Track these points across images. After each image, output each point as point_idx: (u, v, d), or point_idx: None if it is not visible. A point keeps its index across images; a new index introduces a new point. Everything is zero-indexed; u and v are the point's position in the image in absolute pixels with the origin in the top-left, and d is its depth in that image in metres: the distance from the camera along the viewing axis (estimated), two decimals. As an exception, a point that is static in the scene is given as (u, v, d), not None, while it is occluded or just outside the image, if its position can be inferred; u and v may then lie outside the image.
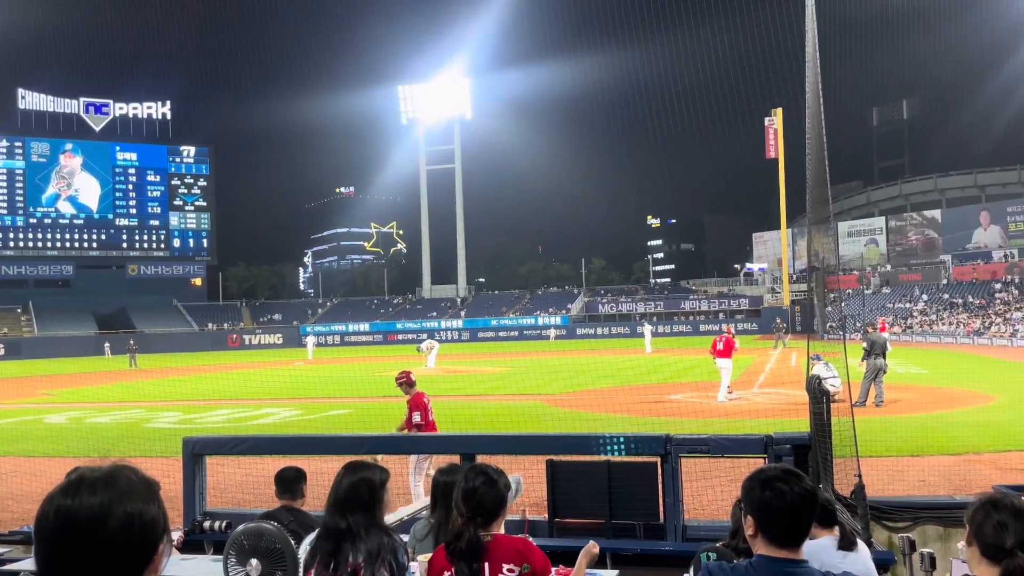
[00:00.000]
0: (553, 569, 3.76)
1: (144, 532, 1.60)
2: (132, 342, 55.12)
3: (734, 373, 22.94)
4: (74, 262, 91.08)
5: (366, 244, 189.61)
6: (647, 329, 51.31)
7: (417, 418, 10.86)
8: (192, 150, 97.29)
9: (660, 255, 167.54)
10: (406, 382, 11.35)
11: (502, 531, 3.84)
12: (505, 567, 3.61)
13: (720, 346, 22.29)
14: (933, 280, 77.62)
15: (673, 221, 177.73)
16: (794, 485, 2.74)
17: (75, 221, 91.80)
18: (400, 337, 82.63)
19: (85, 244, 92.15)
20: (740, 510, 2.95)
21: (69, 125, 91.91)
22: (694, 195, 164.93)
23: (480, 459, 7.02)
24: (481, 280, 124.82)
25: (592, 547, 4.00)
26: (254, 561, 4.08)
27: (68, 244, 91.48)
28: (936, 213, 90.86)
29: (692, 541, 6.74)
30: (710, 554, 4.17)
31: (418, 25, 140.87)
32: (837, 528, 4.76)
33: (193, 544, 7.16)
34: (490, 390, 27.59)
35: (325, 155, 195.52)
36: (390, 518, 5.76)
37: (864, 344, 20.74)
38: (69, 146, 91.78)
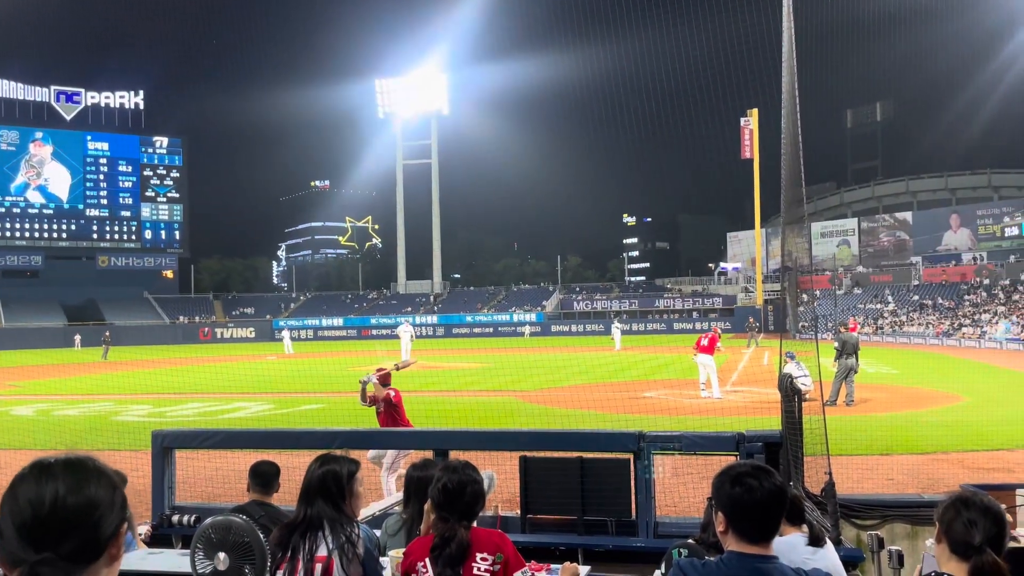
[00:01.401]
0: (526, 564, 3.76)
1: (102, 515, 1.61)
2: (107, 334, 54.47)
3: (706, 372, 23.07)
4: (43, 252, 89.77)
5: (341, 238, 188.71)
6: (616, 327, 51.59)
7: (392, 393, 11.00)
8: (165, 141, 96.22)
9: (635, 253, 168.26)
10: (385, 375, 11.44)
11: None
12: (479, 556, 3.61)
13: (704, 342, 22.48)
14: (904, 281, 78.60)
15: (649, 220, 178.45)
16: (764, 481, 2.76)
17: (44, 211, 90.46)
18: (374, 332, 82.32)
19: (55, 234, 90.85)
20: (712, 506, 2.96)
21: (40, 114, 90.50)
22: (670, 194, 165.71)
23: (453, 455, 7.00)
24: (456, 276, 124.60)
25: (572, 568, 3.95)
26: (222, 555, 4.04)
27: (37, 234, 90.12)
28: (907, 215, 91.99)
29: (664, 538, 6.77)
30: (682, 550, 4.19)
31: (395, 19, 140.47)
32: (806, 525, 4.81)
33: (161, 538, 7.09)
34: (464, 386, 27.57)
35: (300, 148, 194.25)
36: (362, 513, 5.73)
37: (836, 344, 20.93)
38: (39, 135, 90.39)
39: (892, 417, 18.13)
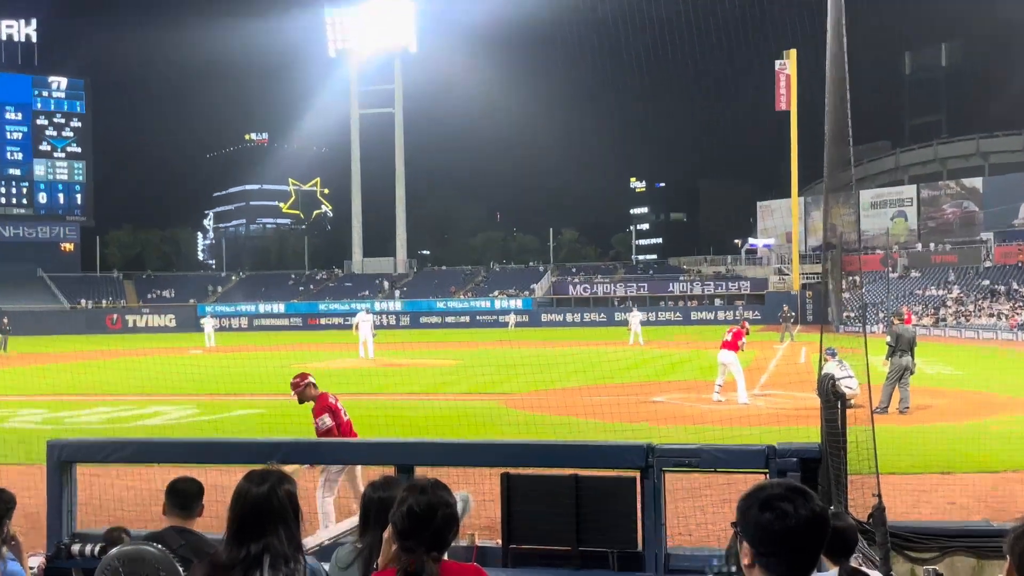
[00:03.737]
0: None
1: None
2: (5, 320, 53.45)
3: (728, 372, 23.21)
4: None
5: (282, 205, 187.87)
6: (635, 316, 51.35)
7: (328, 422, 10.79)
8: (64, 82, 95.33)
9: (645, 226, 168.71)
10: (309, 384, 11.20)
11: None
12: (454, 598, 3.62)
13: (728, 337, 22.69)
14: (971, 262, 79.10)
15: (661, 185, 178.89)
16: (800, 506, 2.77)
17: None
18: (324, 321, 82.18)
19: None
20: (737, 534, 2.98)
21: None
22: (687, 154, 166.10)
23: (420, 472, 7.01)
24: (425, 252, 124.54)
25: None
26: (133, 593, 4.04)
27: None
28: (977, 182, 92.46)
29: (676, 573, 6.82)
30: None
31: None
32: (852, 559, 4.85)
33: (58, 572, 7.07)
34: (433, 388, 27.54)
35: (232, 94, 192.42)
36: (309, 541, 5.74)
37: (888, 339, 21.06)
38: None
39: (955, 428, 18.29)
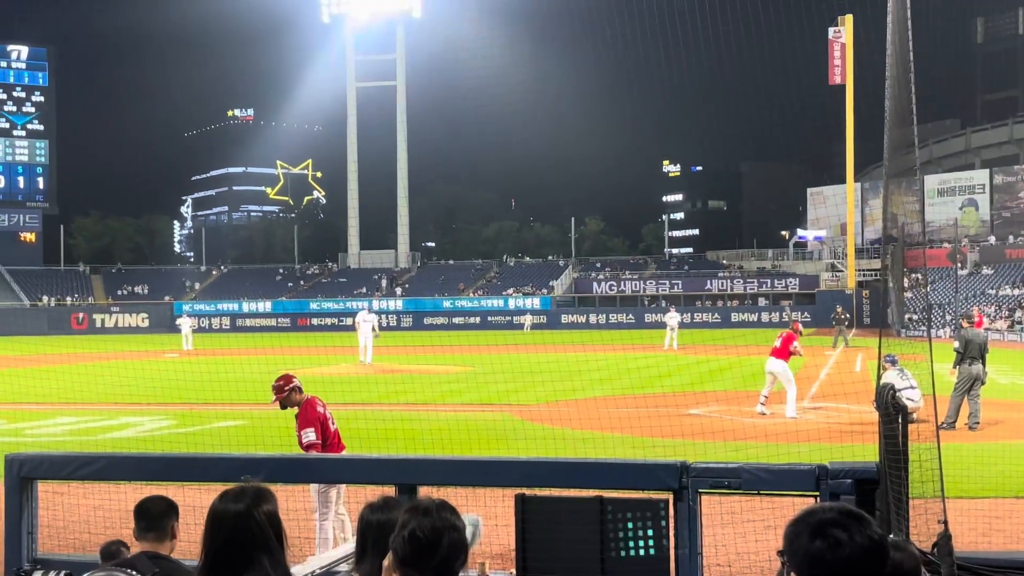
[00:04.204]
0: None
1: None
2: None
3: (777, 382, 23.16)
4: None
5: (269, 191, 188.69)
6: (673, 317, 51.25)
7: (311, 436, 10.65)
8: (25, 51, 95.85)
9: (679, 216, 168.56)
10: (293, 389, 11.01)
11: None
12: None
13: (777, 343, 22.65)
14: (1052, 258, 78.75)
15: (698, 169, 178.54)
16: (856, 533, 2.77)
17: None
18: (315, 322, 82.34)
19: None
20: (784, 565, 2.99)
21: None
22: (728, 134, 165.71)
23: (424, 492, 7.03)
24: (430, 245, 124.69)
25: None
26: (101, 625, 4.06)
27: None
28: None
29: (714, 609, 6.81)
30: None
31: None
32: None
33: (18, 603, 7.12)
34: (439, 397, 27.59)
35: (214, 66, 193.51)
36: (298, 570, 5.75)
37: (956, 344, 20.97)
38: None
39: (1032, 446, 18.20)
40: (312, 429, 10.69)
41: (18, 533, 7.92)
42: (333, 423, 11.10)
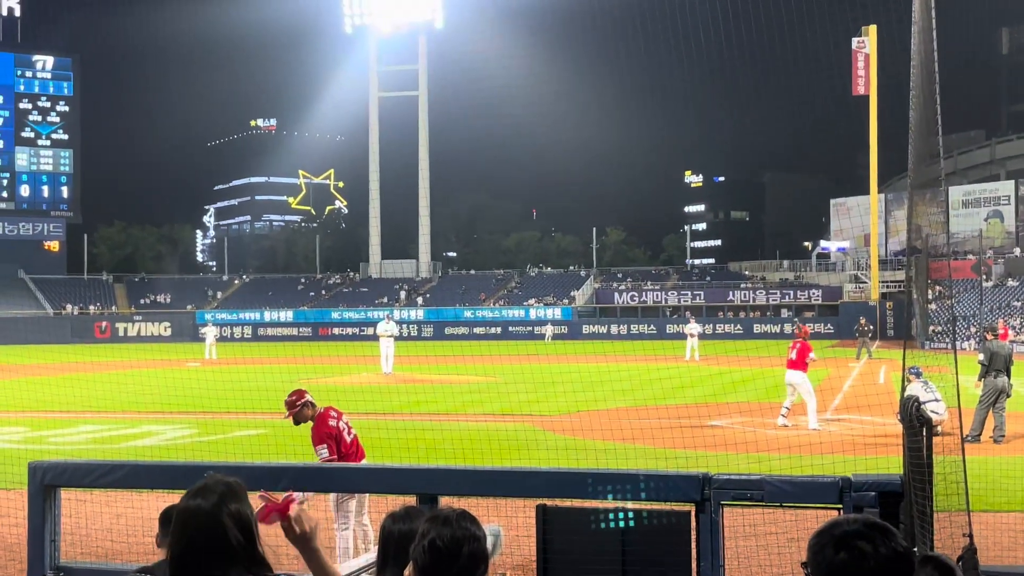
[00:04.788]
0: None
1: None
2: None
3: (797, 393, 23.08)
4: None
5: (291, 200, 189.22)
6: (693, 328, 51.21)
7: (324, 454, 10.65)
8: (50, 61, 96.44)
9: (701, 226, 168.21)
10: (305, 404, 11.00)
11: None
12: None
13: (792, 355, 22.54)
14: (1078, 271, 78.19)
15: (720, 180, 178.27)
16: (880, 545, 2.75)
17: None
18: (336, 331, 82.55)
19: None
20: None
21: None
22: (750, 145, 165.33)
23: (445, 502, 7.03)
24: (451, 255, 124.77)
25: None
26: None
27: None
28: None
29: (736, 621, 6.78)
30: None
31: None
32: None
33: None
34: (460, 407, 27.59)
35: (237, 76, 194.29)
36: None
37: (980, 357, 20.86)
38: None
39: (1058, 460, 18.05)
40: (325, 447, 10.68)
41: (41, 540, 7.96)
42: (350, 433, 11.09)
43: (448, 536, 3.74)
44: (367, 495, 10.62)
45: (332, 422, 10.91)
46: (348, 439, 11.00)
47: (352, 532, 10.61)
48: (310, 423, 11.00)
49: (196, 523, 3.56)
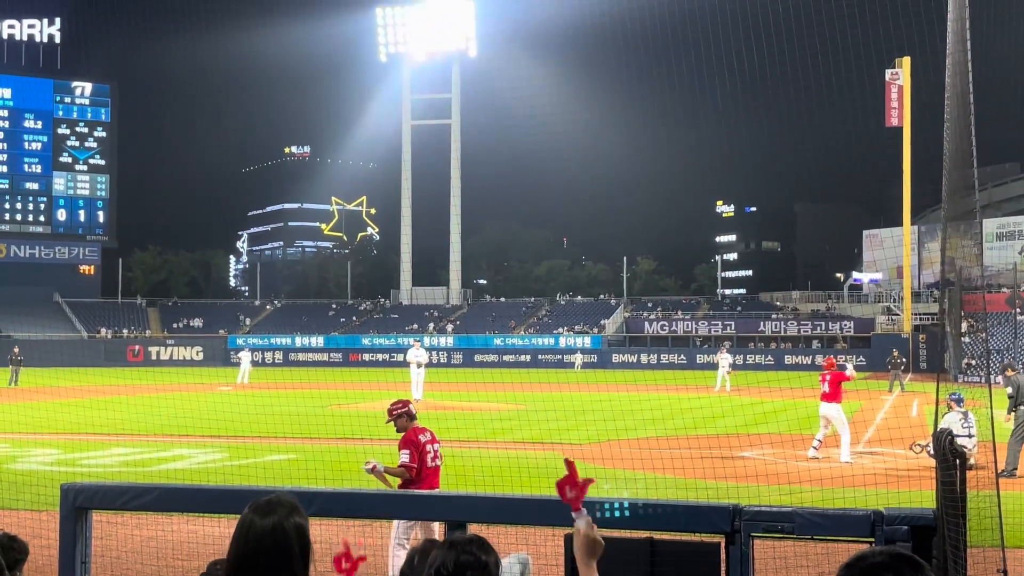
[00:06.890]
0: None
1: None
2: (16, 350, 55.47)
3: (831, 426, 22.95)
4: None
5: (323, 227, 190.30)
6: (725, 358, 50.98)
7: (404, 458, 11.20)
8: (88, 87, 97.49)
9: (732, 256, 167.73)
10: (404, 414, 11.76)
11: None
12: None
13: (826, 388, 22.42)
14: (1114, 305, 77.23)
15: (752, 210, 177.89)
16: (911, 578, 2.73)
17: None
18: (367, 357, 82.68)
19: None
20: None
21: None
22: (783, 175, 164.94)
23: (473, 529, 7.02)
24: (481, 282, 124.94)
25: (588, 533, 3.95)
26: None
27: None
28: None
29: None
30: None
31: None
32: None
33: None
34: (489, 435, 27.55)
35: (272, 103, 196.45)
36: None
37: (1008, 390, 20.65)
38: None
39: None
40: (408, 451, 11.32)
41: (72, 562, 7.99)
42: (435, 458, 11.59)
43: (452, 561, 3.75)
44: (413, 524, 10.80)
45: (420, 436, 11.56)
46: (430, 462, 11.45)
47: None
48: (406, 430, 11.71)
49: (262, 529, 3.75)
